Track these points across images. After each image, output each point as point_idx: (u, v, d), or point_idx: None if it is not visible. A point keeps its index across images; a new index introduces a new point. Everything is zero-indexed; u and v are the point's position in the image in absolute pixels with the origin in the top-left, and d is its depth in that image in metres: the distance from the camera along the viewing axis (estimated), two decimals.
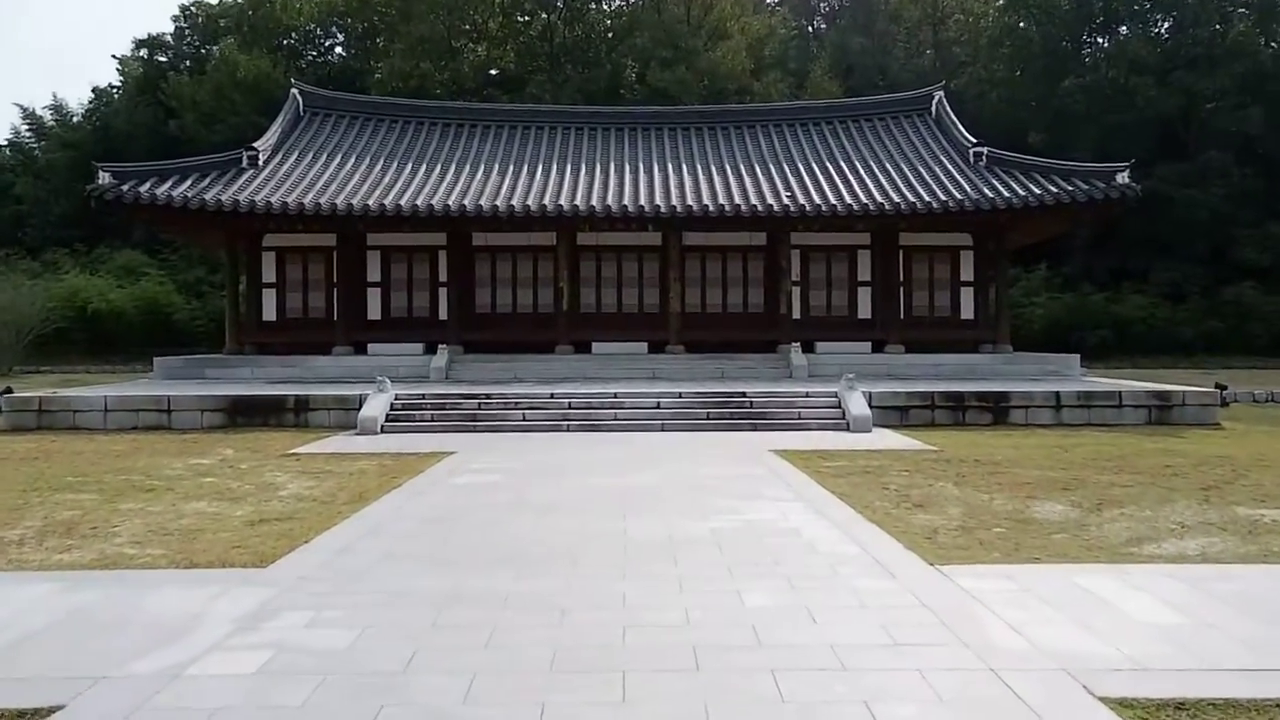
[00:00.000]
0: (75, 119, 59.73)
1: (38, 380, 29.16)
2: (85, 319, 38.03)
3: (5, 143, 59.27)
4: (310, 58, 58.73)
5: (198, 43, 59.69)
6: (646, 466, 12.49)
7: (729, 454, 13.76)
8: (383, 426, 16.85)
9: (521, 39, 50.75)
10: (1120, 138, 41.71)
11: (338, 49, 59.69)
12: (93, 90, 61.12)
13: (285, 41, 57.80)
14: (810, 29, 62.39)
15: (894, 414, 17.82)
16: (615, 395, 18.04)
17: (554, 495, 10.30)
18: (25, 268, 41.70)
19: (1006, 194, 23.31)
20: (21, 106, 67.71)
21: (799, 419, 17.32)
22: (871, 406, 17.32)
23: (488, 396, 18.01)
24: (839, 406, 17.66)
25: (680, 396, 18.06)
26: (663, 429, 16.86)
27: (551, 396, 18.01)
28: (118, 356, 39.03)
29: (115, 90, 61.23)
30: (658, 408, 17.68)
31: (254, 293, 26.26)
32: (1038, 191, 23.25)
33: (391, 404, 17.60)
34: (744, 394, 18.13)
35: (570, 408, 17.64)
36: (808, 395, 18.15)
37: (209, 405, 17.85)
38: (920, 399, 18.11)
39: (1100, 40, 45.97)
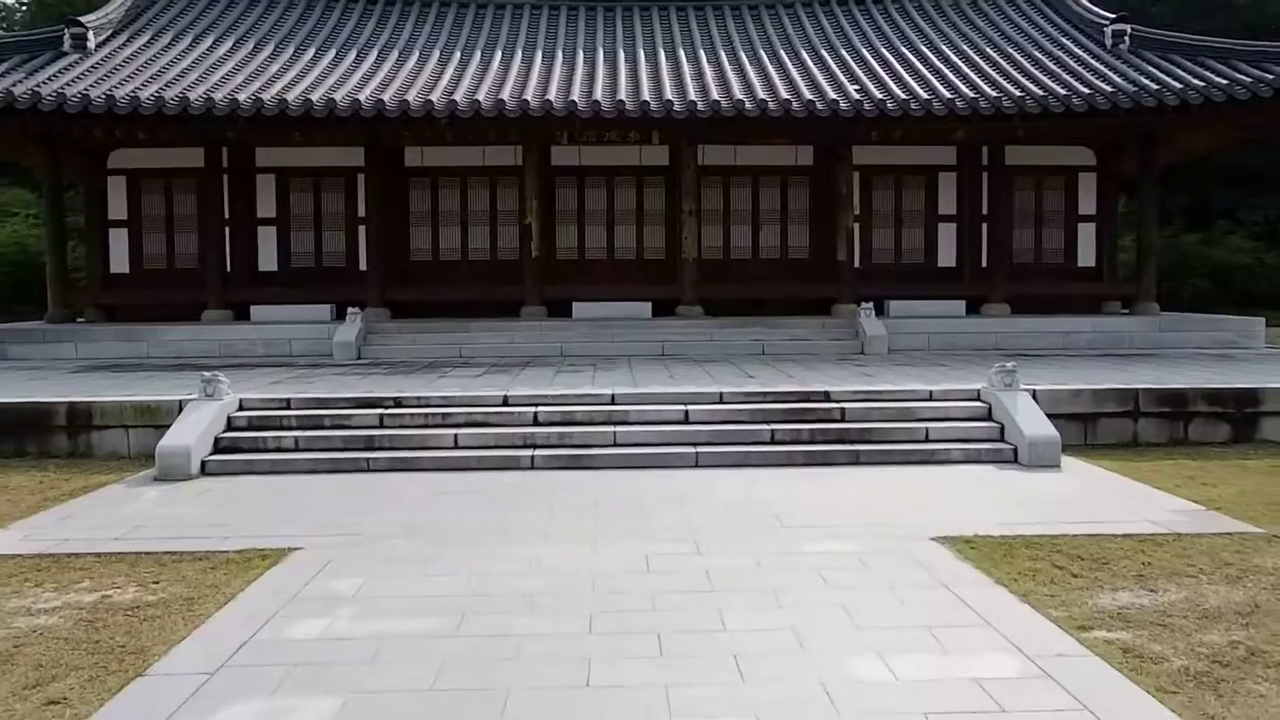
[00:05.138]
0: None
1: None
2: None
3: None
4: None
5: None
6: (698, 624, 5.29)
7: (854, 551, 6.57)
8: (204, 464, 9.54)
9: None
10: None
11: None
12: None
13: None
14: None
15: (1071, 427, 10.64)
16: (613, 400, 10.76)
17: None
18: None
19: (1177, 85, 15.95)
20: None
21: (926, 442, 10.13)
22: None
23: (397, 402, 10.69)
24: (989, 419, 10.47)
25: (721, 401, 10.80)
26: (697, 464, 9.66)
27: (505, 402, 10.71)
28: None
29: (23, 5, 52.76)
30: (685, 421, 10.43)
31: (97, 235, 18.74)
32: (1223, 82, 15.90)
33: (230, 419, 10.27)
34: (826, 395, 10.89)
35: (537, 422, 10.38)
36: (932, 397, 10.92)
37: None
38: (1116, 401, 10.92)
39: None
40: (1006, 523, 7.42)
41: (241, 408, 10.50)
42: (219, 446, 9.88)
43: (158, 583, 6.21)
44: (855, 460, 9.77)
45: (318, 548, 6.88)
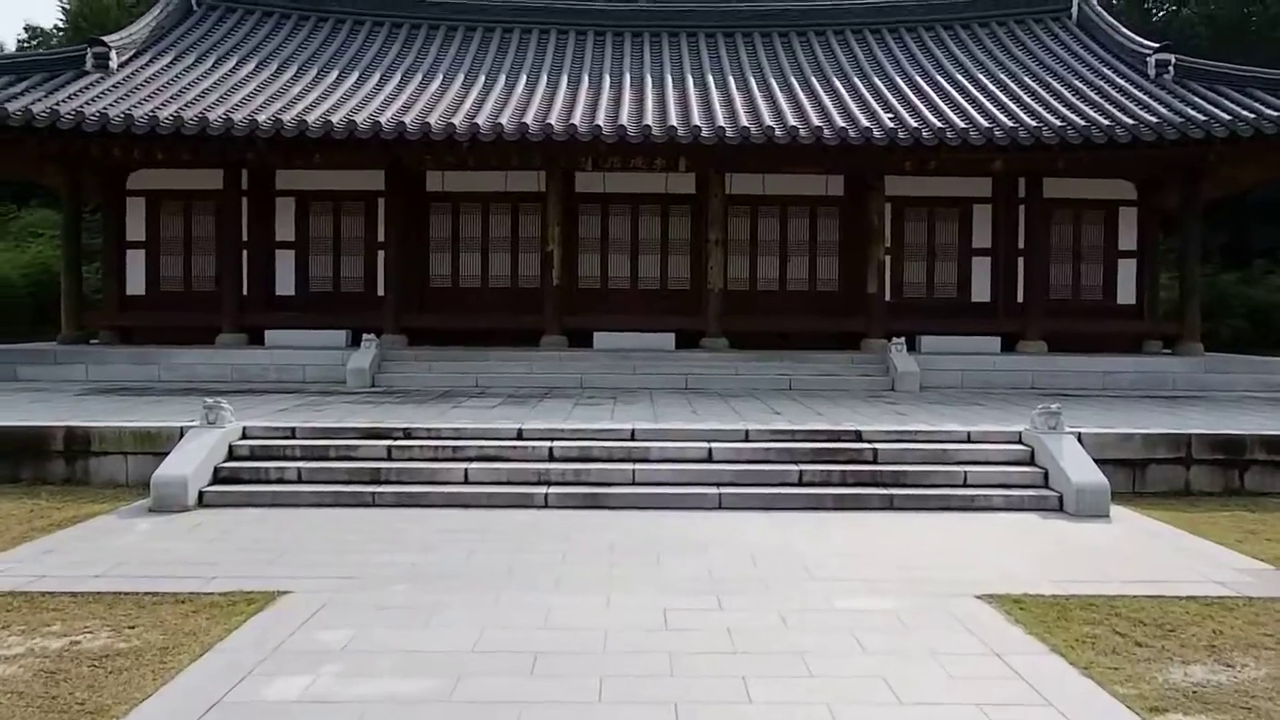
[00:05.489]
0: None
1: None
2: None
3: None
4: None
5: None
6: (720, 694, 4.72)
7: (892, 609, 5.99)
8: (202, 494, 9.09)
9: None
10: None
11: None
12: (26, 29, 53.09)
13: None
14: None
15: (1119, 473, 10.00)
16: (632, 435, 10.24)
17: None
18: None
19: (1226, 116, 15.37)
20: None
21: (964, 486, 9.52)
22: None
23: (406, 434, 10.22)
24: (1032, 463, 9.85)
25: (747, 439, 10.25)
26: (720, 505, 9.11)
27: (520, 436, 10.21)
28: (6, 337, 31.53)
29: (60, 31, 53.36)
30: (708, 460, 9.88)
31: (114, 255, 18.52)
32: (1273, 114, 15.31)
33: (231, 447, 9.83)
34: (857, 435, 10.32)
35: (552, 458, 9.86)
36: (970, 439, 10.32)
37: None
38: (1167, 447, 10.27)
39: None
40: (1057, 580, 6.81)
41: (244, 436, 10.06)
42: (218, 476, 9.43)
43: (133, 628, 5.72)
44: (889, 505, 9.18)
45: (310, 591, 6.38)
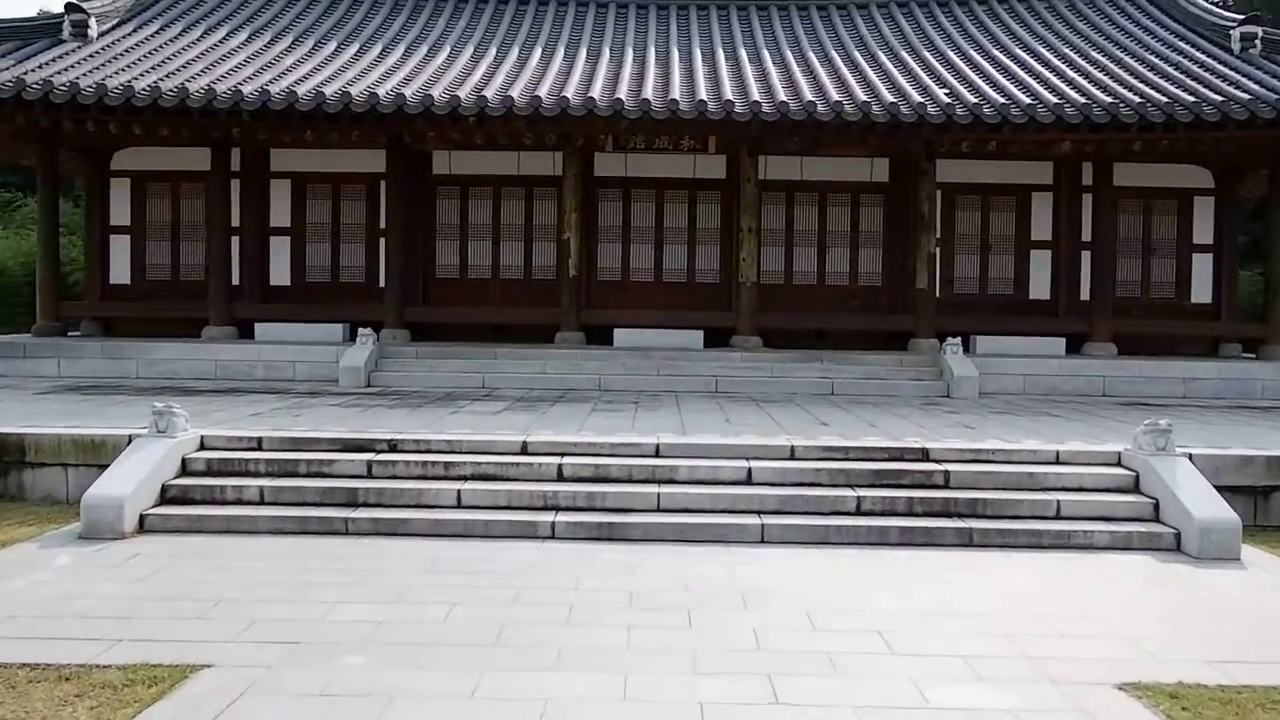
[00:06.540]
0: None
1: None
2: None
3: None
4: None
5: None
6: None
7: (1009, 710, 4.40)
8: (144, 518, 7.60)
9: None
10: None
11: None
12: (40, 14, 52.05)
13: None
14: None
15: (1238, 502, 8.31)
16: (657, 451, 8.68)
17: None
18: None
19: None
20: None
21: (1057, 519, 7.90)
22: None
23: (391, 446, 8.69)
24: (1136, 491, 8.21)
25: (793, 456, 8.66)
26: (763, 539, 7.54)
27: (524, 450, 8.67)
28: (4, 325, 30.42)
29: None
30: (747, 482, 8.30)
31: (96, 241, 17.11)
32: None
33: (185, 461, 8.33)
34: (923, 453, 8.71)
35: (561, 477, 8.31)
36: (1060, 459, 8.69)
37: None
38: None
39: None
40: (1216, 659, 5.20)
41: (202, 446, 8.57)
42: (166, 496, 7.95)
43: None
44: (968, 541, 7.58)
45: (235, 665, 4.86)
